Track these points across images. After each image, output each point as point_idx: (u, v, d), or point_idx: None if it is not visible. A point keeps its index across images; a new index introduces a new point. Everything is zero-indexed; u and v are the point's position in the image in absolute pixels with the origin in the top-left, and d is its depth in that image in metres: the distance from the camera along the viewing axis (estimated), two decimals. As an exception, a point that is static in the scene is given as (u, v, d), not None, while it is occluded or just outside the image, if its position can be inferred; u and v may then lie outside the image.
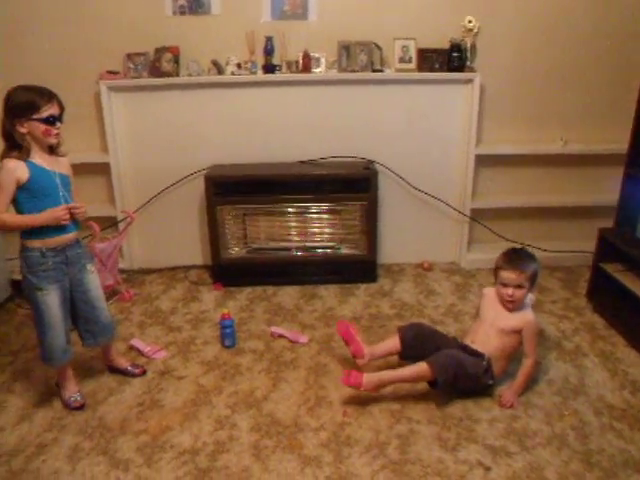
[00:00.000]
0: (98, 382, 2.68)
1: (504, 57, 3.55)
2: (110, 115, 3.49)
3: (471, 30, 3.43)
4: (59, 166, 2.31)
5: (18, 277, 3.47)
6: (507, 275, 2.47)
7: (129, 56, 3.45)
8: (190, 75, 3.44)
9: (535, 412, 2.38)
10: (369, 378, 2.45)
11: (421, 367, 2.40)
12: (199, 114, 3.55)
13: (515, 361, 2.53)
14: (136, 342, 2.93)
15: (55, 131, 2.22)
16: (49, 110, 2.18)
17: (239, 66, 3.43)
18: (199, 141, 3.60)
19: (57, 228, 2.28)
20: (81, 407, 2.50)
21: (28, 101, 2.15)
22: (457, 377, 2.39)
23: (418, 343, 2.58)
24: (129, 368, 2.73)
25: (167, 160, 3.63)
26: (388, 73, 3.50)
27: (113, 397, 2.58)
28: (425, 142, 3.63)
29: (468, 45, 3.46)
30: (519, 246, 2.69)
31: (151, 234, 3.78)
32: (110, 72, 3.45)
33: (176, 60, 3.44)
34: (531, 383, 2.54)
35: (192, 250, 3.84)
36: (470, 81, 3.46)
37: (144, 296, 3.51)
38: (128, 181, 3.67)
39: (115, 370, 2.74)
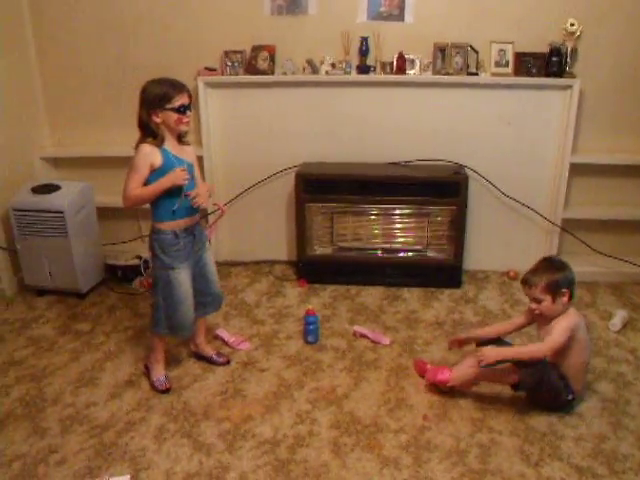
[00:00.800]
0: (184, 368, 2.77)
1: (607, 62, 3.41)
2: (206, 110, 3.60)
3: (573, 33, 3.31)
4: (185, 154, 2.47)
5: (112, 261, 3.70)
6: (523, 289, 2.46)
7: (226, 53, 3.54)
8: (285, 74, 3.50)
9: (626, 435, 2.27)
10: (457, 373, 2.47)
11: (506, 366, 2.38)
12: (292, 112, 3.60)
13: (602, 379, 2.43)
14: (221, 332, 3.01)
15: (186, 119, 2.36)
16: (180, 100, 2.32)
17: (333, 66, 3.46)
18: (290, 138, 3.65)
19: (187, 211, 2.44)
20: (167, 390, 2.60)
21: (161, 92, 2.30)
22: (540, 385, 2.34)
23: None
24: (214, 357, 2.81)
25: (258, 156, 3.71)
26: (483, 77, 3.44)
27: (197, 383, 2.66)
28: (517, 148, 3.54)
29: (569, 49, 3.34)
30: (551, 255, 2.61)
31: (238, 228, 3.87)
32: (208, 69, 3.56)
33: (272, 58, 3.50)
34: (624, 405, 2.44)
35: (277, 246, 3.90)
36: (569, 87, 3.35)
37: (230, 288, 3.59)
38: (220, 175, 3.77)
39: (200, 357, 2.83)
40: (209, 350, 2.84)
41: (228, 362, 2.81)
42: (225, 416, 2.44)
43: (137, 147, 2.36)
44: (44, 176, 3.81)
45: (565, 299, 2.37)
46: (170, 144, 2.39)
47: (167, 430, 2.37)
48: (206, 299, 2.69)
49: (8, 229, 3.48)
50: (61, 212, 3.30)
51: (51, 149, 3.94)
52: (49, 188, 3.42)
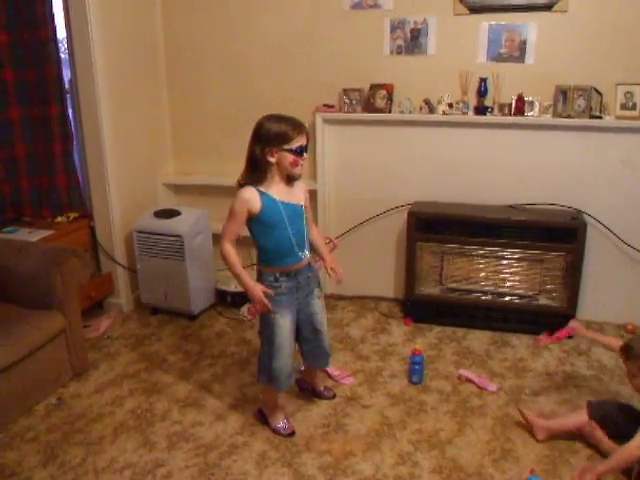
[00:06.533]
0: (287, 397, 2.78)
1: None
2: (322, 145, 3.68)
3: None
4: (292, 196, 2.35)
5: (223, 287, 3.83)
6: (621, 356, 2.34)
7: (345, 91, 3.62)
8: (402, 112, 3.53)
9: None
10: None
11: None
12: (407, 151, 3.62)
13: None
14: (326, 364, 3.02)
15: (302, 161, 2.27)
16: (299, 141, 2.23)
17: (450, 106, 3.45)
18: (403, 177, 3.66)
19: (293, 257, 2.37)
20: (293, 434, 2.54)
21: (281, 132, 2.21)
22: None
23: (611, 424, 2.36)
24: (323, 391, 2.80)
25: (370, 192, 3.73)
26: (607, 120, 3.31)
27: (300, 414, 2.69)
28: (640, 195, 3.37)
29: None
30: None
31: (347, 262, 3.79)
32: (326, 105, 3.66)
33: (390, 97, 3.54)
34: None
35: (384, 282, 3.88)
36: None
37: (335, 321, 3.59)
38: (332, 209, 3.82)
39: (308, 389, 2.82)
40: (319, 384, 2.81)
41: (334, 396, 2.80)
42: (326, 449, 2.44)
43: (239, 186, 2.31)
44: (165, 201, 4.03)
45: None
46: (278, 187, 2.30)
47: (269, 457, 2.41)
48: (315, 351, 2.59)
49: (130, 249, 3.69)
50: (180, 236, 3.46)
51: (173, 176, 4.15)
52: (170, 213, 3.61)
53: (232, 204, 2.31)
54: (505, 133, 3.45)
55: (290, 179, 2.33)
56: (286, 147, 2.22)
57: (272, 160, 2.25)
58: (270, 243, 2.35)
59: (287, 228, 2.32)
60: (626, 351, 2.30)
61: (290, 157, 2.24)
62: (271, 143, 2.22)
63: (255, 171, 2.27)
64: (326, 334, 2.60)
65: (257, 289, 2.33)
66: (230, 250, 2.34)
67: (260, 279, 2.41)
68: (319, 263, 2.55)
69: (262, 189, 2.28)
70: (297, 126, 2.25)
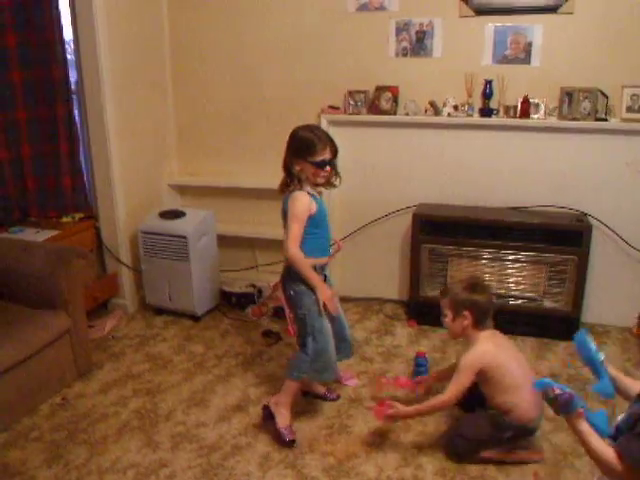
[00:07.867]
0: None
1: None
2: (327, 147, 3.69)
3: None
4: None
5: (227, 288, 3.83)
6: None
7: (350, 93, 3.62)
8: (407, 114, 3.53)
9: None
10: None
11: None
12: (411, 152, 3.62)
13: None
14: (330, 365, 3.02)
15: (324, 173, 2.40)
16: (322, 155, 2.36)
17: (456, 108, 3.45)
18: (408, 179, 3.66)
19: (325, 250, 2.52)
20: (292, 442, 2.48)
21: (307, 144, 2.36)
22: None
23: None
24: (326, 394, 2.81)
25: (375, 194, 3.73)
26: (613, 122, 3.30)
27: (304, 415, 2.68)
28: (647, 198, 3.36)
29: None
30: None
31: (351, 264, 3.88)
32: (331, 107, 3.66)
33: (395, 99, 3.55)
34: None
35: (389, 284, 3.87)
36: None
37: (339, 322, 3.60)
38: (337, 210, 3.81)
39: (309, 394, 2.81)
40: (320, 388, 2.82)
41: (338, 397, 2.81)
42: (330, 451, 2.44)
43: (282, 190, 2.44)
44: (170, 202, 4.04)
45: (466, 322, 2.35)
46: (311, 190, 2.44)
47: (272, 459, 2.41)
48: (340, 344, 2.59)
49: (135, 250, 3.70)
50: (185, 237, 3.47)
51: (178, 177, 4.16)
52: (175, 214, 3.62)
53: (294, 209, 2.38)
54: (510, 135, 3.45)
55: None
56: (309, 159, 2.36)
57: (297, 168, 2.39)
58: (314, 242, 2.45)
59: (327, 226, 2.52)
60: (442, 290, 2.50)
61: (312, 169, 2.38)
62: (297, 153, 2.38)
63: (293, 177, 2.40)
64: (348, 326, 2.70)
65: (328, 289, 2.45)
66: (299, 253, 2.39)
67: (293, 281, 2.46)
68: None
69: (310, 191, 2.42)
70: (323, 141, 2.37)
